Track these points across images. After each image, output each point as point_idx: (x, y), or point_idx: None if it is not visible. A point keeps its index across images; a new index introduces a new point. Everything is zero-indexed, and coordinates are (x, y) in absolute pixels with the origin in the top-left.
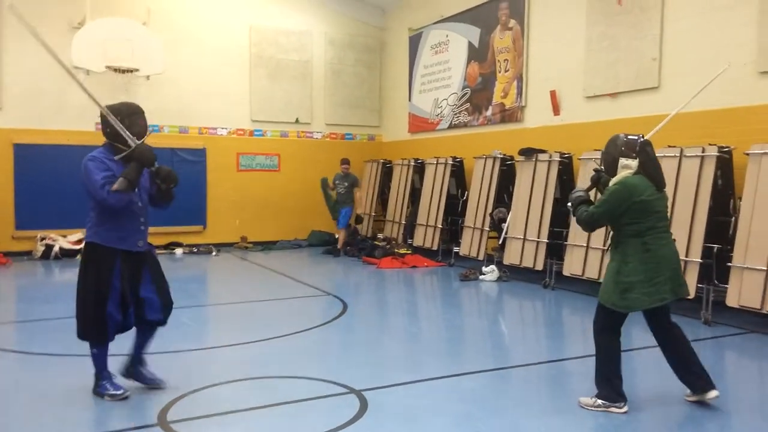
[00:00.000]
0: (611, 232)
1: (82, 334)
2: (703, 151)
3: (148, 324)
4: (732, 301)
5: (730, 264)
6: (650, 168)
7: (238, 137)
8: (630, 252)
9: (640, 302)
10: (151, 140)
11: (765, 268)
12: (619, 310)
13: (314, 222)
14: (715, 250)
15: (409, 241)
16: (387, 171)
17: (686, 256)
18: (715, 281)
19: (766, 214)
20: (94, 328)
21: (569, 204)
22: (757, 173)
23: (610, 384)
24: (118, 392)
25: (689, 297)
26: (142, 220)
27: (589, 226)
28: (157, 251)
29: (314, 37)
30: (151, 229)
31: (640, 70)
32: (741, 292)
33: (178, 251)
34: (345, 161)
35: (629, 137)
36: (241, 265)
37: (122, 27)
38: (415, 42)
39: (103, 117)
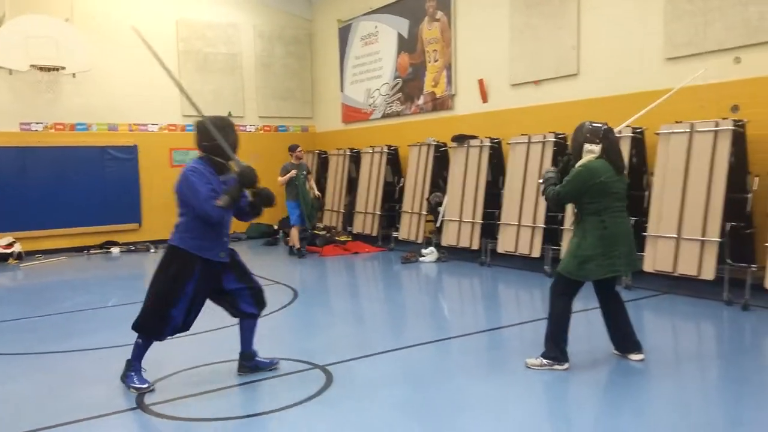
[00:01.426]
0: (575, 210)
1: (138, 326)
2: (619, 133)
3: (247, 316)
4: (648, 266)
5: (645, 234)
6: (611, 153)
7: (170, 133)
8: (589, 228)
9: (595, 273)
10: (79, 139)
11: (675, 236)
12: (576, 279)
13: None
14: (632, 221)
15: (349, 228)
16: (323, 161)
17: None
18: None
19: (675, 187)
20: (154, 325)
21: (541, 181)
22: (666, 151)
23: (557, 345)
24: (144, 386)
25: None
26: (225, 232)
27: (555, 203)
28: (92, 251)
29: (242, 29)
30: (85, 229)
31: (561, 58)
32: (655, 258)
33: (115, 250)
34: (297, 147)
35: (594, 125)
36: None
37: (44, 24)
38: (344, 33)
39: (201, 129)
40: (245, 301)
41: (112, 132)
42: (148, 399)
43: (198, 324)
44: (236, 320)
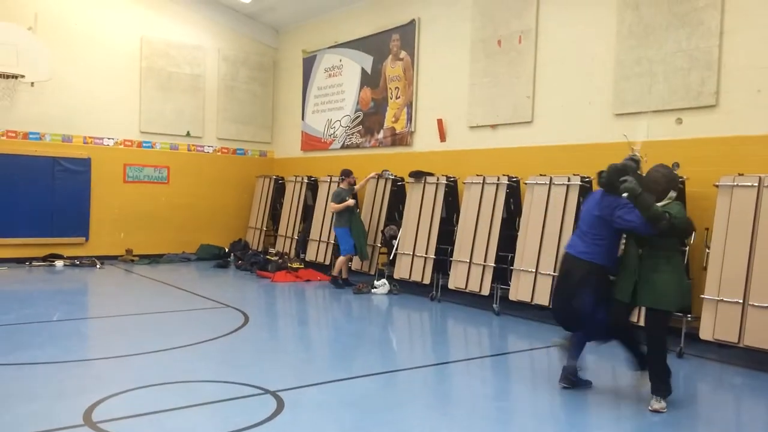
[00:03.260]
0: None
1: (590, 336)
2: (568, 180)
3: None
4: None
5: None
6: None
7: (126, 148)
8: (678, 263)
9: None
10: (30, 148)
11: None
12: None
13: (203, 235)
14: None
15: (302, 255)
16: (279, 187)
17: (554, 271)
18: None
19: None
20: (600, 331)
21: (631, 189)
22: None
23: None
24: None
25: None
26: None
27: (660, 228)
28: (35, 263)
29: (207, 52)
30: (28, 240)
31: (517, 106)
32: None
33: (59, 263)
34: (350, 172)
35: (674, 173)
36: (130, 278)
37: (6, 31)
38: (309, 63)
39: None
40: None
41: (66, 143)
42: (95, 416)
43: (147, 344)
44: (187, 342)
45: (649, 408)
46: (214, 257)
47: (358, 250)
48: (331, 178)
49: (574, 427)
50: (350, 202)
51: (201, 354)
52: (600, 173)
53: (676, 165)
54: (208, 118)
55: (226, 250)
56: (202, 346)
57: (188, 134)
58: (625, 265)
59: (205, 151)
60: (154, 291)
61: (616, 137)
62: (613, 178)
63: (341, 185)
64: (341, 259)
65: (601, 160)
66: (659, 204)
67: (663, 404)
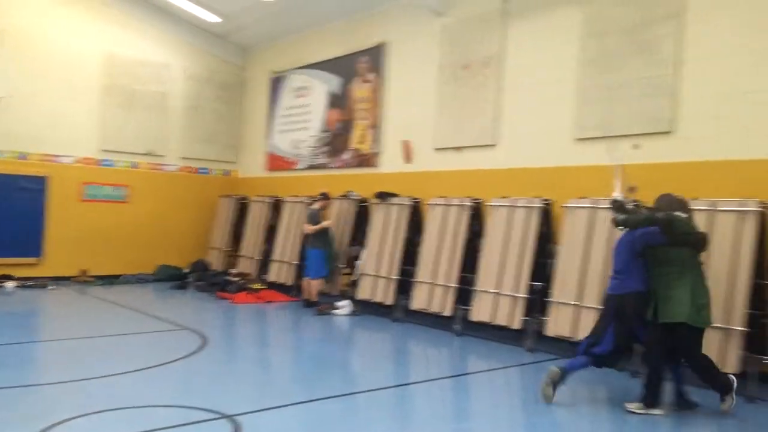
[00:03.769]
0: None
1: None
2: (530, 203)
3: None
4: (551, 331)
5: (548, 300)
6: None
7: (85, 166)
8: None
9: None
10: None
11: (576, 302)
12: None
13: (163, 256)
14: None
15: (264, 276)
16: (242, 207)
17: (517, 292)
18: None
19: (577, 256)
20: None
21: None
22: (572, 222)
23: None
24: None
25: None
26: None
27: (664, 229)
28: None
29: (173, 70)
30: None
31: (481, 129)
32: (557, 323)
33: (9, 284)
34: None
35: (681, 199)
36: (85, 300)
37: None
38: (276, 83)
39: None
40: None
41: (22, 161)
42: None
43: (99, 368)
44: (141, 366)
45: (628, 408)
46: (173, 278)
47: (329, 273)
48: (299, 199)
49: None
50: (327, 223)
51: (156, 378)
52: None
53: (633, 189)
54: (172, 136)
55: (185, 270)
56: (157, 369)
57: (150, 153)
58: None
59: (167, 170)
60: (109, 313)
61: (576, 161)
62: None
63: (313, 206)
64: (313, 282)
65: (562, 183)
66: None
67: (647, 410)
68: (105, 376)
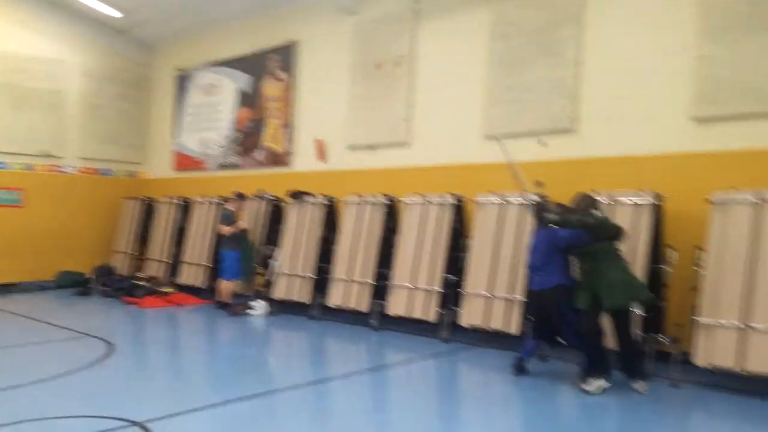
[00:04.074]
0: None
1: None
2: (443, 199)
3: None
4: (464, 321)
5: (461, 291)
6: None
7: None
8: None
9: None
10: None
11: (488, 294)
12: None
13: (64, 261)
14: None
15: (174, 279)
16: (149, 209)
17: (431, 285)
18: (452, 306)
19: (488, 249)
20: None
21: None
22: (483, 217)
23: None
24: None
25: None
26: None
27: (592, 231)
28: None
29: (68, 67)
30: None
31: (394, 128)
32: (470, 314)
33: None
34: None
35: (596, 198)
36: None
37: None
38: (183, 81)
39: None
40: None
41: None
42: None
43: None
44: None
45: (582, 387)
46: (75, 284)
47: (243, 274)
48: (205, 199)
49: None
50: (243, 224)
51: (59, 388)
52: (541, 218)
53: (540, 183)
54: (70, 137)
55: (89, 276)
56: (60, 379)
57: (46, 154)
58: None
59: (66, 171)
60: (5, 323)
61: (486, 159)
62: (539, 215)
63: (227, 206)
64: (227, 284)
65: (473, 180)
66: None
67: (599, 383)
68: (6, 389)
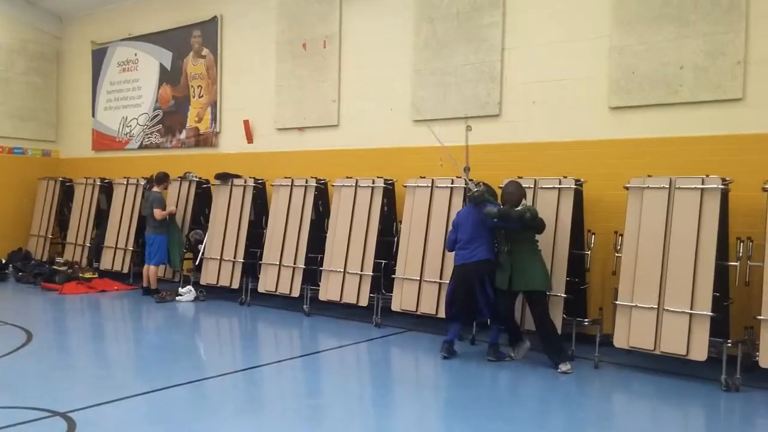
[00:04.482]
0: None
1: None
2: (373, 183)
3: None
4: (395, 306)
5: (393, 276)
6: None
7: None
8: (539, 251)
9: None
10: None
11: (418, 278)
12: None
13: None
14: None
15: (96, 264)
16: (67, 190)
17: (363, 270)
18: (383, 290)
19: (418, 233)
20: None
21: (495, 212)
22: (413, 202)
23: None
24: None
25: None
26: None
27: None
28: None
29: None
30: None
31: (323, 110)
32: (402, 299)
33: None
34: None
35: (522, 187)
36: None
37: None
38: (99, 56)
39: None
40: None
41: None
42: None
43: None
44: None
45: (560, 370)
46: None
47: (172, 260)
48: (128, 181)
49: (385, 419)
50: (173, 208)
51: None
52: (470, 196)
53: (467, 169)
54: None
55: (3, 261)
56: None
57: None
58: (500, 261)
59: None
60: None
61: (415, 142)
62: (478, 201)
63: (155, 189)
64: (153, 269)
65: (402, 163)
66: (517, 208)
67: (569, 366)
68: None
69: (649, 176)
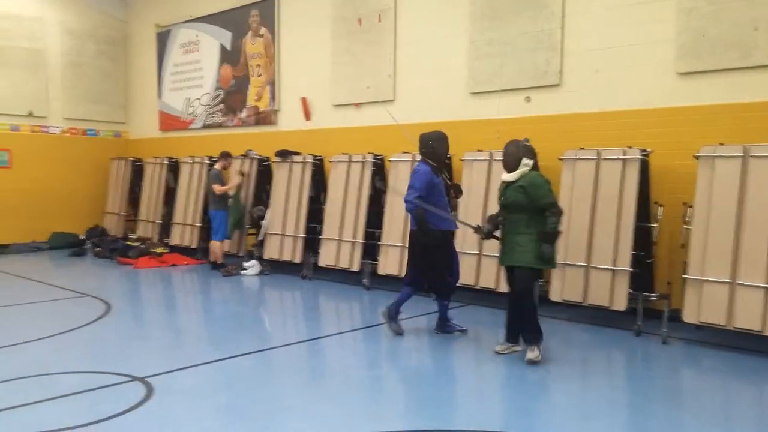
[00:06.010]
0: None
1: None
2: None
3: None
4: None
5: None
6: (537, 167)
7: None
8: (539, 227)
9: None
10: None
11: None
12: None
13: (56, 223)
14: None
15: (166, 240)
16: (137, 169)
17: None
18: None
19: (477, 210)
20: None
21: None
22: (471, 175)
23: (540, 333)
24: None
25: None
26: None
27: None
28: None
29: (48, 25)
30: None
31: (379, 85)
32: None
33: None
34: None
35: (526, 144)
36: None
37: None
38: (163, 39)
39: (424, 141)
40: None
41: None
42: None
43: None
44: (42, 335)
45: (526, 359)
46: (69, 245)
47: (230, 232)
48: (193, 159)
49: (442, 390)
50: (236, 183)
51: (59, 346)
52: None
53: (527, 140)
54: (53, 96)
55: (82, 237)
56: (60, 337)
57: (30, 114)
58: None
59: (52, 132)
60: (2, 282)
61: (472, 115)
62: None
63: (216, 166)
64: (218, 244)
65: (460, 137)
66: (517, 171)
67: (537, 353)
68: (8, 346)
69: (721, 144)
